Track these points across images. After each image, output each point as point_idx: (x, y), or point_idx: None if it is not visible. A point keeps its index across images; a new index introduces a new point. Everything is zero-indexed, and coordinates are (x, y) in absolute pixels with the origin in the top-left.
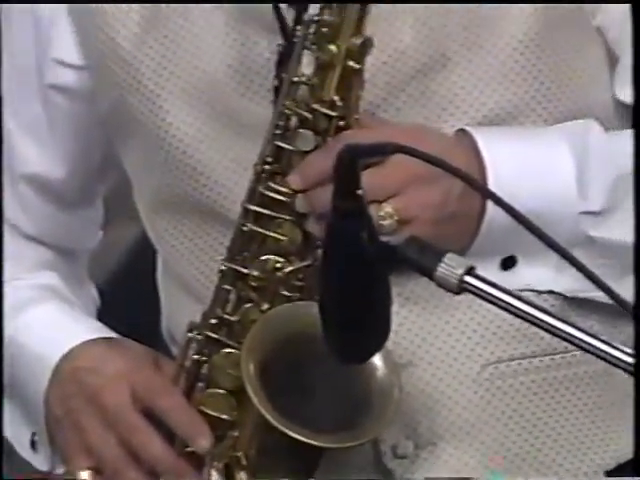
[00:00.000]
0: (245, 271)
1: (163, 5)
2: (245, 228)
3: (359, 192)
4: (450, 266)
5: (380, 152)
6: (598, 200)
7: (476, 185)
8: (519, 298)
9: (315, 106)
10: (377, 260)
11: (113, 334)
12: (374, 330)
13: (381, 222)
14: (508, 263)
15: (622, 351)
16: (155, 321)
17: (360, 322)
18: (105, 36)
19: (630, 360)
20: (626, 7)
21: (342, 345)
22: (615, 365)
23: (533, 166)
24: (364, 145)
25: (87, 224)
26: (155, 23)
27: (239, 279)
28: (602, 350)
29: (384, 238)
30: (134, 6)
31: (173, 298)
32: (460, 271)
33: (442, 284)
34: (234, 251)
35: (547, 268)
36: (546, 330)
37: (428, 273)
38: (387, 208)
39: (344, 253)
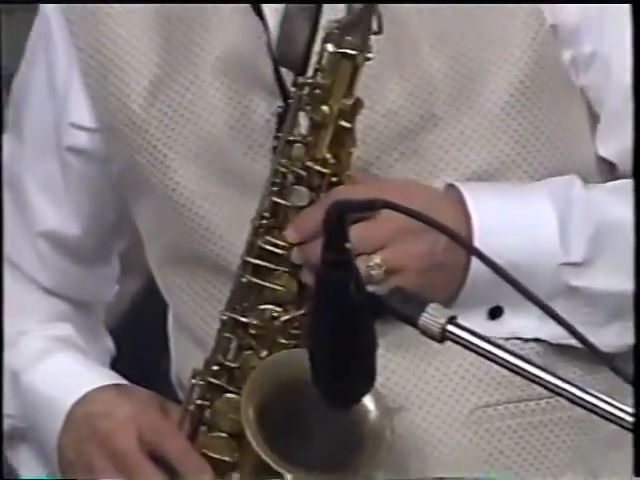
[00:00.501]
0: (244, 320)
1: (170, 69)
2: (244, 279)
3: (347, 245)
4: (433, 315)
5: (367, 208)
6: (579, 251)
7: (460, 241)
8: (499, 346)
9: (309, 164)
10: (363, 309)
11: (123, 381)
12: (360, 376)
13: (370, 272)
14: (495, 313)
15: (597, 397)
16: (166, 367)
17: (347, 368)
18: (116, 100)
19: (603, 405)
20: (607, 69)
21: (330, 390)
22: (590, 410)
23: (517, 220)
24: (352, 201)
25: (103, 279)
26: (162, 87)
27: (239, 328)
28: (578, 396)
29: (372, 288)
30: (143, 70)
31: (181, 346)
32: (442, 320)
33: (425, 332)
34: (234, 301)
35: (531, 318)
36: (523, 376)
37: (412, 322)
38: (376, 259)
39: (332, 302)
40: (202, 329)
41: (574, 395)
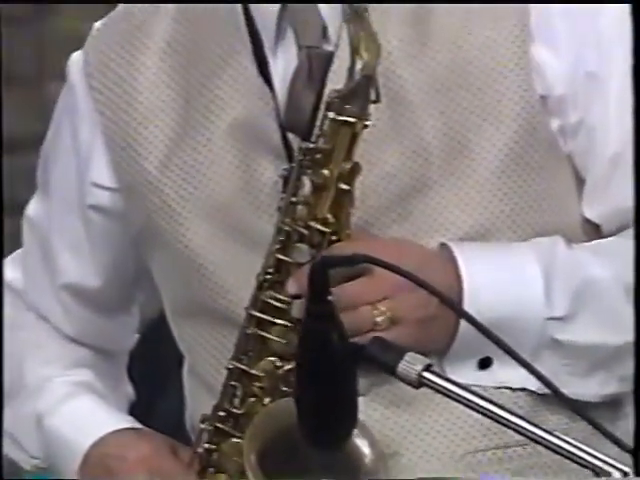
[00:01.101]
0: (249, 370)
1: (185, 134)
2: (249, 331)
3: (330, 298)
4: (410, 363)
5: (348, 263)
6: (563, 307)
7: (447, 302)
8: (472, 392)
9: (311, 223)
10: (345, 357)
11: (138, 424)
12: (342, 420)
13: (376, 319)
14: (485, 363)
15: (571, 444)
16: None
17: (329, 413)
18: (134, 161)
19: (576, 452)
20: (592, 137)
21: (313, 433)
22: (562, 455)
23: (505, 277)
24: (334, 256)
25: (124, 328)
26: (177, 151)
27: (244, 377)
28: (551, 442)
29: (377, 334)
30: (160, 134)
31: (194, 392)
32: (419, 367)
33: (403, 379)
34: (240, 352)
35: (518, 369)
36: (496, 421)
37: (390, 370)
38: (381, 307)
39: (316, 351)
40: (213, 377)
41: (547, 441)
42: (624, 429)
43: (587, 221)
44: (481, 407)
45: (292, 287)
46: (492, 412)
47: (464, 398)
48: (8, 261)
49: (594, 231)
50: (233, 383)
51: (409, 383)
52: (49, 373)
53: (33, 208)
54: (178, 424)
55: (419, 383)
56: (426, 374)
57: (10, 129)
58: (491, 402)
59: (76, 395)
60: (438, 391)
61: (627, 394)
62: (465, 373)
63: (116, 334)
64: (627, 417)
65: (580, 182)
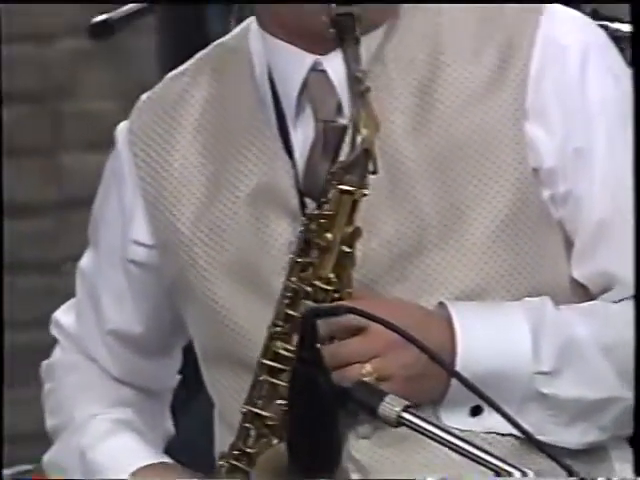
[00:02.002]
0: (261, 413)
1: (213, 198)
2: (260, 378)
3: (317, 345)
4: (390, 405)
5: (333, 314)
6: (549, 362)
7: (436, 359)
8: (447, 432)
9: (315, 282)
10: (331, 399)
11: (168, 459)
12: (327, 455)
13: (363, 379)
14: (476, 411)
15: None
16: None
17: (316, 448)
18: (169, 222)
19: None
20: (580, 205)
21: (302, 467)
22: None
23: (497, 335)
24: (320, 308)
25: (165, 369)
26: (206, 213)
27: (257, 419)
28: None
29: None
30: (191, 198)
31: (220, 431)
32: (398, 408)
33: (384, 419)
34: (253, 396)
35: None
36: (467, 457)
37: (372, 410)
38: (368, 367)
39: (304, 393)
40: (234, 417)
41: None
42: (609, 469)
43: (575, 282)
44: (455, 445)
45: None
46: (466, 450)
47: (439, 437)
48: (63, 307)
49: (583, 293)
50: (247, 425)
51: (389, 423)
52: (94, 411)
53: (85, 261)
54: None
55: (398, 423)
56: (404, 414)
57: (26, 195)
58: (464, 440)
59: (116, 432)
60: (416, 430)
61: (611, 439)
62: (458, 420)
63: (157, 375)
64: (611, 460)
65: (570, 246)
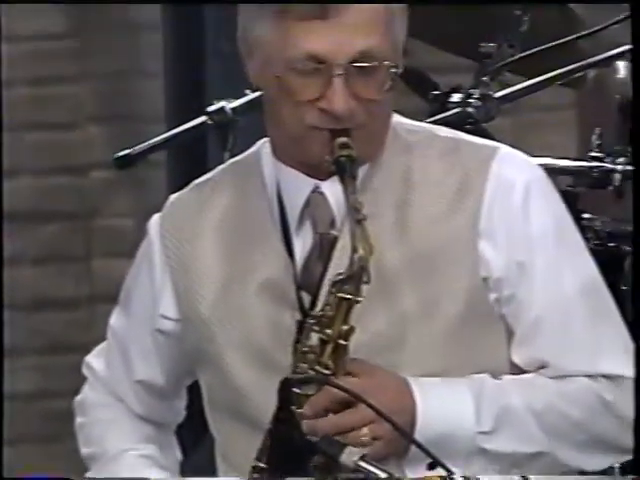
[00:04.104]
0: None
1: (228, 285)
2: (267, 442)
3: (292, 408)
4: (350, 454)
5: (306, 383)
6: (489, 423)
7: (398, 429)
8: (393, 477)
9: (316, 367)
10: (302, 450)
11: None
12: None
13: (361, 439)
14: (432, 465)
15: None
16: None
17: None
18: (191, 303)
19: None
20: (520, 307)
21: None
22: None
23: (447, 403)
24: (296, 377)
25: (177, 407)
26: (222, 297)
27: (263, 472)
28: None
29: (362, 448)
30: (210, 284)
31: (223, 467)
32: (356, 457)
33: (344, 466)
34: (262, 453)
35: (455, 468)
36: None
37: (334, 459)
38: (365, 430)
39: (281, 446)
40: (236, 458)
41: None
42: None
43: (514, 365)
44: None
45: (308, 410)
46: None
47: None
48: (94, 352)
49: (518, 370)
50: (256, 476)
51: (347, 469)
52: (124, 446)
53: (115, 319)
54: None
55: (355, 469)
56: (360, 462)
57: (65, 292)
58: None
59: (144, 467)
60: (368, 477)
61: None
62: (418, 471)
63: (171, 412)
64: None
65: (510, 335)
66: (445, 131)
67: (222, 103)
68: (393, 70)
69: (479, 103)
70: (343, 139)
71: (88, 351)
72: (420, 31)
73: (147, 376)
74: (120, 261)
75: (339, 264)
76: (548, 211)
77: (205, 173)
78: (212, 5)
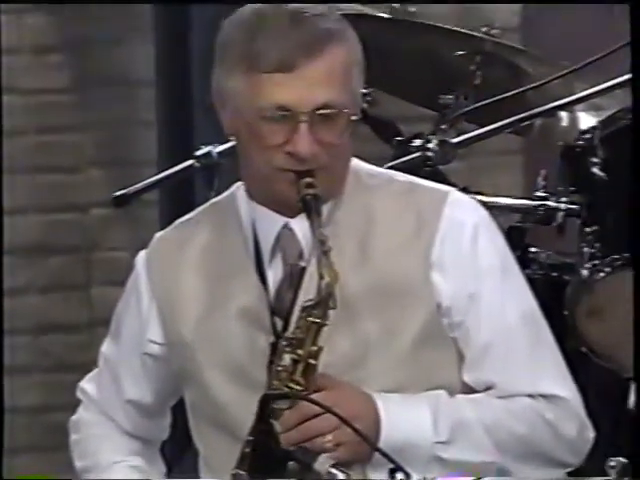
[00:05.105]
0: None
1: (210, 310)
2: (247, 450)
3: (271, 421)
4: (322, 463)
5: (284, 398)
6: (445, 434)
7: (364, 438)
8: None
9: (289, 384)
10: (279, 458)
11: None
12: None
13: (325, 446)
14: (393, 471)
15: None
16: None
17: None
18: (175, 327)
19: None
20: (468, 332)
21: None
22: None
23: (407, 416)
24: (273, 393)
25: (162, 423)
26: (203, 322)
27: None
28: None
29: (328, 454)
30: (192, 310)
31: (206, 473)
32: (327, 465)
33: (317, 473)
34: (241, 463)
35: (415, 475)
36: None
37: (308, 467)
38: (329, 437)
39: (261, 456)
40: (219, 466)
41: None
42: None
43: (465, 384)
44: None
45: (284, 424)
46: None
47: None
48: (87, 378)
49: (469, 389)
50: None
51: (321, 475)
52: (115, 459)
53: (107, 347)
54: None
55: (327, 475)
56: (332, 469)
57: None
58: None
59: (132, 476)
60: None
61: None
62: (380, 477)
63: (157, 429)
64: None
65: (461, 357)
66: (401, 176)
67: (208, 148)
68: (352, 117)
69: (437, 148)
70: (308, 179)
71: (88, 370)
72: (388, 84)
73: (136, 396)
74: (117, 289)
75: (308, 291)
76: (494, 249)
77: (192, 209)
78: (199, 63)
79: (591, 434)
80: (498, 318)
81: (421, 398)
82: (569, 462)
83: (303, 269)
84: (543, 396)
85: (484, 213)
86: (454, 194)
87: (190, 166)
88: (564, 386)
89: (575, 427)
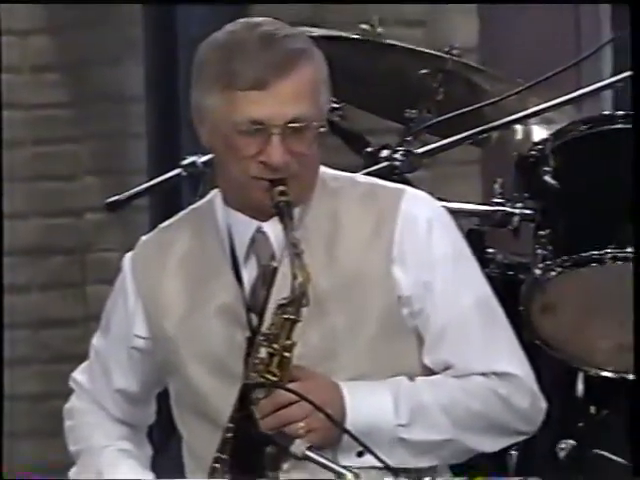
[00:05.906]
0: (226, 458)
1: (191, 308)
2: (228, 435)
3: (252, 407)
4: (298, 445)
5: (265, 386)
6: (405, 417)
7: (335, 422)
8: (334, 463)
9: (266, 375)
10: (259, 442)
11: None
12: (257, 469)
13: (298, 432)
14: (361, 453)
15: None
16: None
17: (250, 467)
18: (159, 322)
19: None
20: (427, 319)
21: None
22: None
23: (370, 401)
24: (252, 383)
25: (149, 411)
26: (186, 318)
27: (223, 463)
28: None
29: (301, 438)
30: (175, 307)
31: (189, 461)
32: (303, 448)
33: (294, 455)
34: (220, 450)
35: (382, 454)
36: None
37: (285, 449)
38: (301, 424)
39: (244, 440)
40: (202, 454)
41: None
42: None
43: (425, 367)
44: (336, 471)
45: (261, 411)
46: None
47: (329, 466)
48: (79, 369)
49: (429, 371)
50: (217, 466)
51: (297, 458)
52: (106, 443)
53: (97, 341)
54: None
55: (303, 457)
56: (307, 452)
57: (64, 313)
58: (342, 467)
59: (123, 459)
60: (315, 462)
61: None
62: (349, 459)
63: (144, 416)
64: (435, 471)
65: (421, 342)
66: (363, 178)
67: (193, 158)
68: (320, 129)
69: (403, 158)
70: (281, 187)
71: (83, 361)
72: (358, 100)
73: (124, 386)
74: (110, 287)
75: (280, 290)
76: (448, 239)
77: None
78: (185, 81)
79: (543, 405)
80: (453, 303)
81: (384, 385)
82: (524, 430)
83: (275, 269)
84: (496, 374)
85: (438, 207)
86: (409, 191)
87: (177, 174)
88: (516, 364)
89: (527, 400)
